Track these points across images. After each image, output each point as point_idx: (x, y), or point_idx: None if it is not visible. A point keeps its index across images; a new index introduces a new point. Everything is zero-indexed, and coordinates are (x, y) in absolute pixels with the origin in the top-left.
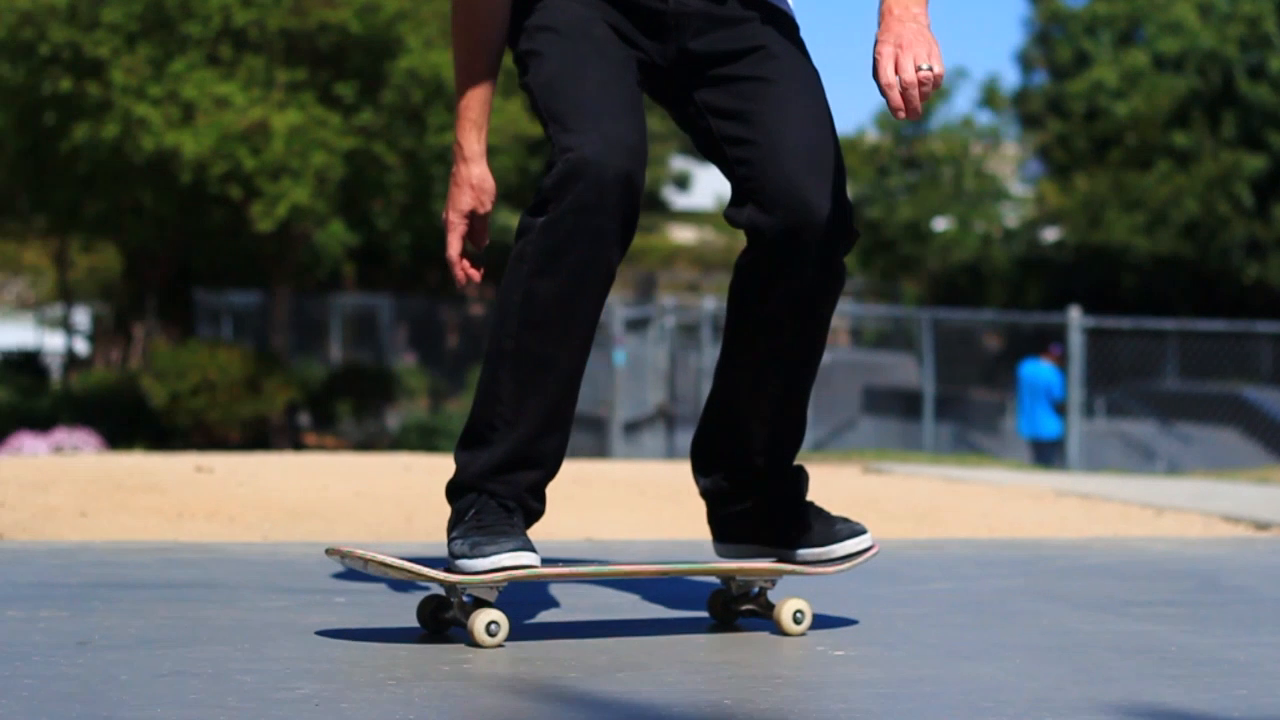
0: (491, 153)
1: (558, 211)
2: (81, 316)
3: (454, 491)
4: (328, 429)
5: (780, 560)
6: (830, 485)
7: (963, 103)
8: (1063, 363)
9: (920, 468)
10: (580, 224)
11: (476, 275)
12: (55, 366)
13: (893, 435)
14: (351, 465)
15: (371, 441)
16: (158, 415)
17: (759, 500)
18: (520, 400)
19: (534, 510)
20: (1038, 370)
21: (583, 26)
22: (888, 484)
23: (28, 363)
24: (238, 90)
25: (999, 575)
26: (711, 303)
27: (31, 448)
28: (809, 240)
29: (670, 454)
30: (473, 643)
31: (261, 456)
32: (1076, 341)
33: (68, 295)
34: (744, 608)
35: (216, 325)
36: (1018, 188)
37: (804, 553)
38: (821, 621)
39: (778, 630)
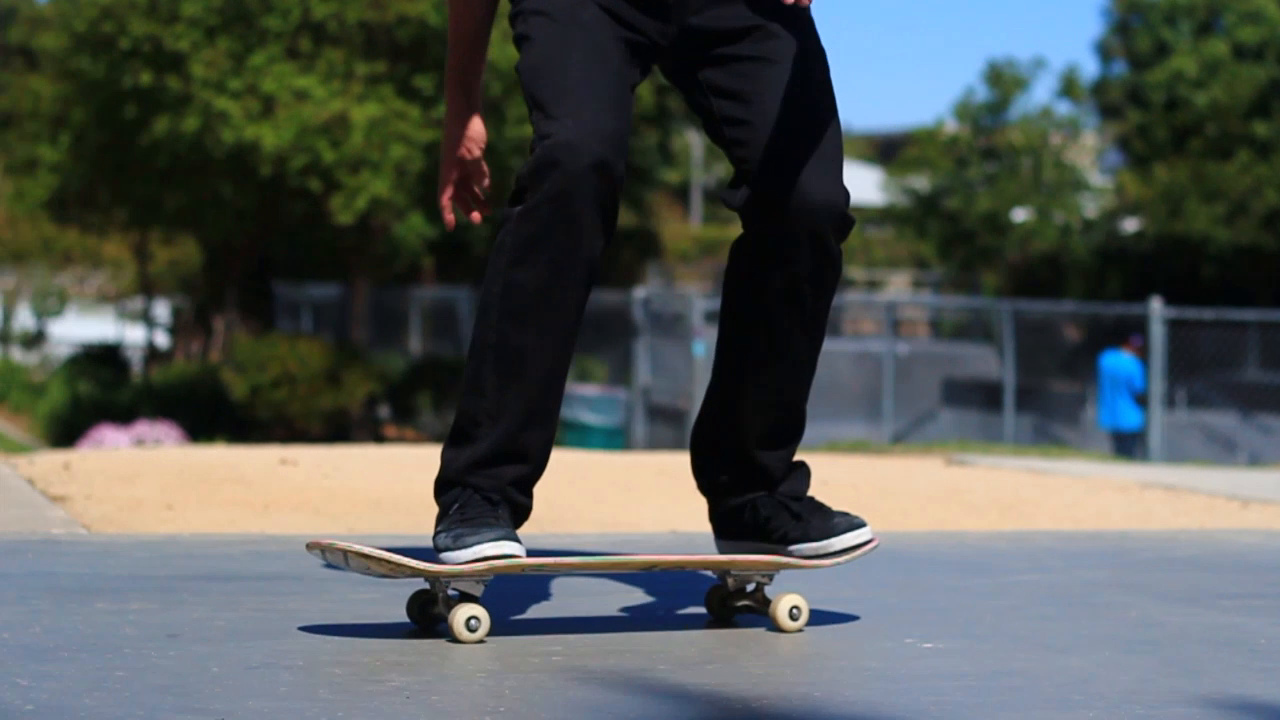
0: None
1: (534, 200)
2: (162, 309)
3: (439, 488)
4: (407, 422)
5: (778, 555)
6: (914, 477)
7: (1042, 93)
8: (1143, 354)
9: (1003, 459)
10: (556, 212)
11: (476, 217)
12: (136, 359)
13: (972, 427)
14: (434, 458)
15: None
16: (238, 408)
17: (758, 496)
18: (502, 393)
19: (520, 504)
20: (1118, 362)
21: (572, 10)
22: (971, 476)
23: (109, 356)
24: (317, 83)
25: (1086, 567)
26: None
27: (113, 440)
28: (802, 225)
29: None
30: (453, 638)
31: (345, 449)
32: (1158, 333)
33: (148, 288)
34: (740, 603)
35: (296, 318)
36: (1097, 178)
37: (801, 547)
38: (903, 612)
39: (773, 627)
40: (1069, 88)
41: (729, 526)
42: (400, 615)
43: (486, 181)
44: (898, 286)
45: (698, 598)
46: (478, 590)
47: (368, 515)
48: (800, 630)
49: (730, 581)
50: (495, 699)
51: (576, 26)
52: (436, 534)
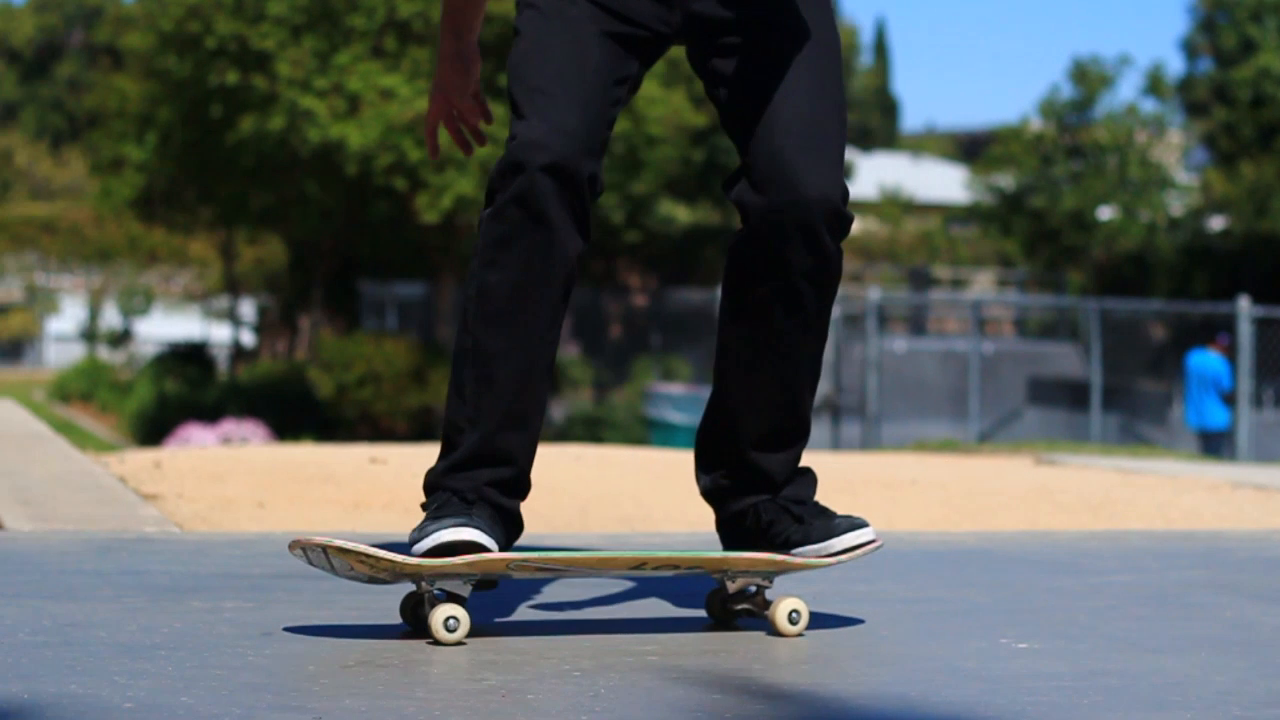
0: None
1: (500, 202)
2: (247, 308)
3: (425, 494)
4: None
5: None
6: (1003, 476)
7: (1127, 90)
8: (1231, 353)
9: (1092, 459)
10: (522, 214)
11: (468, 150)
12: (222, 358)
13: (1058, 426)
14: None
15: None
16: (324, 406)
17: (760, 501)
18: (479, 397)
19: (501, 505)
20: (1205, 360)
21: (560, 4)
22: (1060, 475)
23: (195, 354)
24: (402, 82)
25: (1179, 567)
26: (876, 293)
27: (199, 439)
28: (794, 220)
29: (836, 445)
30: (434, 640)
31: (434, 448)
32: (1245, 331)
33: (234, 287)
34: (740, 606)
35: (381, 316)
36: (1183, 176)
37: (803, 549)
38: (996, 612)
39: (772, 631)
40: (1154, 85)
41: (733, 533)
42: (494, 614)
43: (481, 120)
44: (982, 285)
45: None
46: (464, 591)
47: None
48: (800, 634)
49: (729, 584)
50: (591, 698)
51: (559, 21)
52: (410, 535)
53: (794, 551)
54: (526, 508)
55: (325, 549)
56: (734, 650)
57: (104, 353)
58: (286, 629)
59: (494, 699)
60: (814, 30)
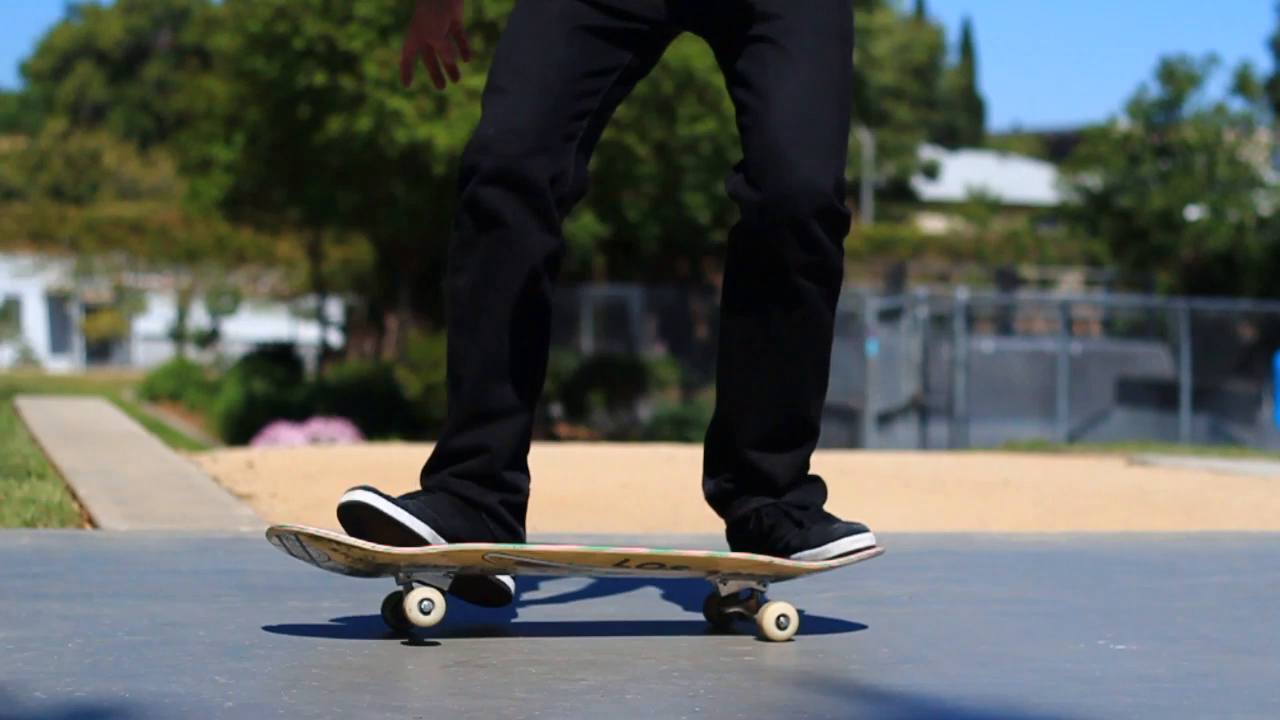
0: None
1: (458, 205)
2: (334, 308)
3: None
4: (580, 420)
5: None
6: (1095, 477)
7: (1215, 90)
8: None
9: (1185, 460)
10: (475, 217)
11: (440, 84)
12: (309, 358)
13: (1147, 426)
14: (614, 456)
15: (624, 432)
16: (411, 406)
17: (763, 505)
18: (451, 398)
19: (470, 498)
20: None
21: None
22: (1154, 476)
23: (282, 354)
24: None
25: (1276, 568)
26: (964, 293)
27: (288, 438)
28: (784, 214)
29: (923, 445)
30: (408, 626)
31: None
32: None
33: (321, 287)
34: (731, 609)
35: None
36: (1271, 175)
37: (800, 554)
38: (1093, 614)
39: (760, 636)
40: (1243, 84)
41: (738, 538)
42: (590, 614)
43: (456, 58)
44: (1070, 285)
45: (896, 599)
46: (443, 584)
47: (551, 514)
48: (789, 640)
49: (722, 586)
50: (690, 698)
51: (534, 17)
52: None
53: (792, 556)
54: (620, 507)
55: (299, 536)
56: (832, 651)
57: (192, 353)
58: (384, 629)
59: (594, 699)
60: (819, 15)
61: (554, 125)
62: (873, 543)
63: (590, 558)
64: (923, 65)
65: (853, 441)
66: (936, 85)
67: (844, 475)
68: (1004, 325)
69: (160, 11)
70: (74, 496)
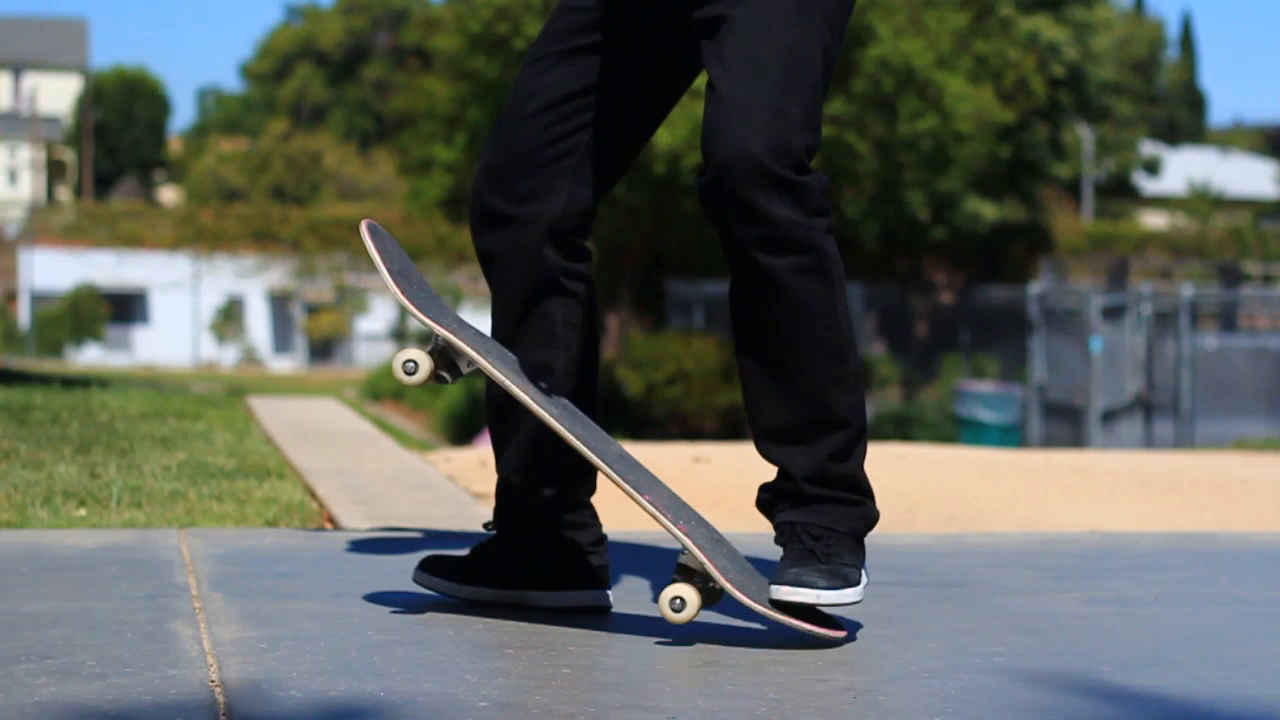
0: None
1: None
2: None
3: None
4: None
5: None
6: None
7: None
8: None
9: None
10: (480, 249)
11: None
12: None
13: None
14: None
15: None
16: (634, 405)
17: (785, 523)
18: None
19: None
20: None
21: (550, 24)
22: None
23: None
24: None
25: None
26: (1189, 289)
27: None
28: (721, 192)
29: (1149, 443)
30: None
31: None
32: None
33: None
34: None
35: (688, 315)
36: None
37: (774, 585)
38: None
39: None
40: None
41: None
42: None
43: None
44: None
45: (1142, 600)
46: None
47: None
48: (684, 622)
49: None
50: (942, 699)
51: (547, 40)
52: None
53: (770, 583)
54: None
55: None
56: (1079, 651)
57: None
58: (632, 628)
59: (845, 700)
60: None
61: (511, 160)
62: (816, 600)
63: None
64: (1143, 60)
65: (1077, 439)
66: (1157, 80)
67: (1077, 474)
68: (1227, 322)
69: (379, 12)
70: (313, 496)
